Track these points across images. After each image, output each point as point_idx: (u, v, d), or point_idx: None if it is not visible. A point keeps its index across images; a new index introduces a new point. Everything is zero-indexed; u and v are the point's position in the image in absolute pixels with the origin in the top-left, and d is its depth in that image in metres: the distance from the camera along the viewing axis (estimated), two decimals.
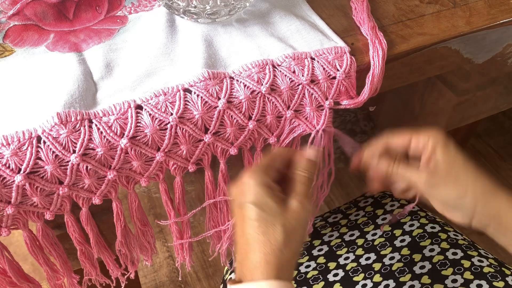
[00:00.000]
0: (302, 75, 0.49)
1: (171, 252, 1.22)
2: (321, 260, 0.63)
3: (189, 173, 0.50)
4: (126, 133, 0.44)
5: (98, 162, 0.44)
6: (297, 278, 0.61)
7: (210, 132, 0.47)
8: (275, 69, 0.49)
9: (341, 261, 0.62)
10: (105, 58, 0.50)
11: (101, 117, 0.44)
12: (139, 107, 0.45)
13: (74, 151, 0.42)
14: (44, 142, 0.42)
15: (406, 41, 0.55)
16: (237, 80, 0.48)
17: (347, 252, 0.63)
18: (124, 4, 0.57)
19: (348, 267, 0.61)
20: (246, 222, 0.41)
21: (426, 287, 0.57)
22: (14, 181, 0.41)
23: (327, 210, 0.72)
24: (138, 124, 0.44)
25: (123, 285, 0.62)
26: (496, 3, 0.61)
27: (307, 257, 0.63)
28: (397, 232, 0.64)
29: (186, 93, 0.46)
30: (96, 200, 0.47)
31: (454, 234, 0.64)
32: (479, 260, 0.59)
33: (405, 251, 0.62)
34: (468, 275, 0.58)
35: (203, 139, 0.47)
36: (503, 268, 0.59)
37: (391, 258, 0.61)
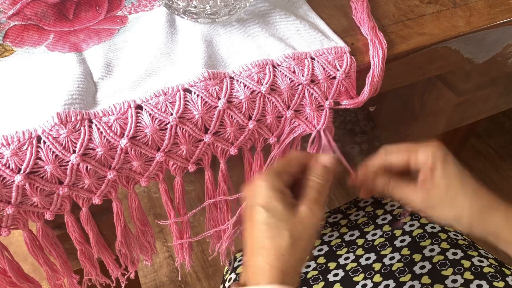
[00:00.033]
0: (302, 75, 0.49)
1: (171, 252, 1.22)
2: (321, 260, 0.63)
3: (189, 173, 0.50)
4: (126, 133, 0.44)
5: (98, 162, 0.44)
6: None
7: (210, 132, 0.47)
8: (275, 69, 0.49)
9: (341, 261, 0.62)
10: (105, 58, 0.50)
11: (101, 117, 0.44)
12: (139, 107, 0.45)
13: (74, 151, 0.42)
14: (44, 142, 0.42)
15: (406, 41, 0.55)
16: (237, 80, 0.48)
17: (347, 252, 0.63)
18: (124, 4, 0.57)
19: (348, 267, 0.61)
20: (254, 225, 0.41)
21: (426, 287, 0.57)
22: (14, 181, 0.41)
23: (327, 210, 0.72)
24: (138, 124, 0.44)
25: (123, 285, 0.62)
26: (496, 3, 0.61)
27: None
28: (397, 232, 0.64)
29: (186, 93, 0.46)
30: (96, 200, 0.47)
31: (454, 234, 0.64)
32: (479, 260, 0.59)
33: (405, 251, 0.62)
34: (468, 275, 0.58)
35: (203, 139, 0.47)
36: (503, 268, 0.59)
37: (391, 258, 0.61)
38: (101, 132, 0.43)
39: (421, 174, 0.45)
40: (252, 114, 0.48)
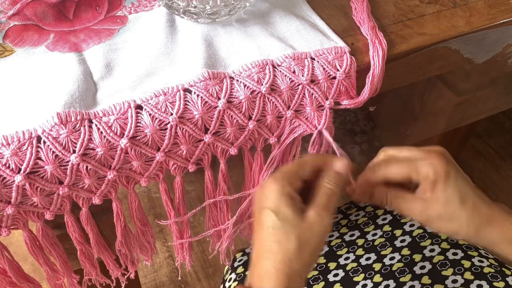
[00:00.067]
0: (302, 75, 0.49)
1: (171, 252, 1.22)
2: (321, 260, 0.63)
3: (189, 173, 0.50)
4: (126, 133, 0.44)
5: (98, 162, 0.44)
6: None
7: (210, 132, 0.47)
8: (275, 69, 0.49)
9: (341, 261, 0.62)
10: (105, 58, 0.50)
11: (101, 117, 0.44)
12: (139, 107, 0.45)
13: (74, 151, 0.42)
14: (44, 142, 0.41)
15: (406, 41, 0.55)
16: (237, 80, 0.48)
17: (347, 252, 0.63)
18: (124, 4, 0.57)
19: (348, 267, 0.61)
20: (263, 228, 0.41)
21: (426, 287, 0.57)
22: (14, 181, 0.41)
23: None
24: (138, 124, 0.44)
25: (123, 285, 0.62)
26: (496, 3, 0.61)
27: None
28: (397, 232, 0.64)
29: (186, 93, 0.46)
30: (96, 200, 0.47)
31: None
32: (479, 261, 0.59)
33: (405, 251, 0.62)
34: (468, 275, 0.58)
35: (203, 139, 0.47)
36: (503, 269, 0.59)
37: (391, 258, 0.61)
38: (101, 132, 0.43)
39: (421, 186, 0.44)
40: (252, 114, 0.48)
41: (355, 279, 0.60)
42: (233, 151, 0.50)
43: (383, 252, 0.62)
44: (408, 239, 0.63)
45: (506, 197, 1.38)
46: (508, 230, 0.43)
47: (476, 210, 0.43)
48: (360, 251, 0.63)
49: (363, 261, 0.62)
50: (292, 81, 0.49)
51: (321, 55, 0.51)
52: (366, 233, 0.65)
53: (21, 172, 0.41)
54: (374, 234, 0.65)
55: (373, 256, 0.62)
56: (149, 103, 0.45)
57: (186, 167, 0.49)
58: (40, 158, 0.41)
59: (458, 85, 0.73)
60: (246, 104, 0.47)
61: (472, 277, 0.57)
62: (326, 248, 0.64)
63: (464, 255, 0.60)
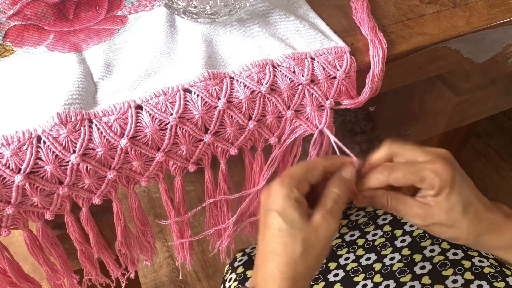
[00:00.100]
0: (302, 75, 0.49)
1: (171, 252, 1.22)
2: None
3: (189, 173, 0.50)
4: (126, 133, 0.44)
5: (98, 162, 0.44)
6: None
7: (210, 132, 0.47)
8: (275, 69, 0.49)
9: (342, 261, 0.62)
10: (105, 58, 0.50)
11: (101, 117, 0.44)
12: (139, 107, 0.45)
13: (74, 151, 0.42)
14: (44, 142, 0.41)
15: (406, 41, 0.55)
16: (237, 80, 0.48)
17: (348, 252, 0.63)
18: (124, 4, 0.57)
19: (348, 267, 0.61)
20: (268, 230, 0.41)
21: (427, 287, 0.57)
22: (14, 181, 0.41)
23: None
24: (138, 124, 0.44)
25: (123, 285, 0.62)
26: (496, 3, 0.60)
27: None
28: (398, 232, 0.64)
29: (186, 93, 0.46)
30: (96, 200, 0.47)
31: None
32: (479, 261, 0.59)
33: (405, 251, 0.62)
34: (468, 275, 0.57)
35: (203, 139, 0.47)
36: (503, 269, 0.59)
37: (392, 259, 0.61)
38: (101, 132, 0.43)
39: (423, 192, 0.43)
40: (252, 114, 0.48)
41: (355, 279, 0.60)
42: (233, 151, 0.50)
43: (383, 252, 0.62)
44: (408, 239, 0.63)
45: (506, 197, 1.38)
46: (507, 237, 0.43)
47: (477, 217, 0.43)
48: (360, 251, 0.63)
49: (363, 261, 0.62)
50: (292, 81, 0.49)
51: (321, 55, 0.51)
52: (366, 233, 0.65)
53: (21, 172, 0.41)
54: (375, 234, 0.65)
55: (373, 256, 0.62)
56: (149, 103, 0.45)
57: (186, 167, 0.49)
58: (40, 158, 0.41)
59: (458, 85, 0.73)
60: (246, 104, 0.47)
61: (472, 277, 0.57)
62: None
63: (464, 255, 0.60)
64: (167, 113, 0.45)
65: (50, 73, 0.48)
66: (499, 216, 0.43)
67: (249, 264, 0.66)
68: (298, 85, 0.49)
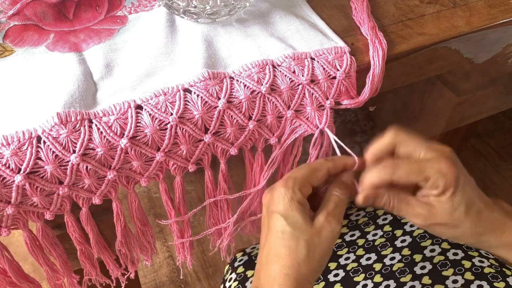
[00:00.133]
0: (302, 75, 0.49)
1: (171, 252, 1.22)
2: None
3: (189, 173, 0.50)
4: (126, 133, 0.44)
5: (98, 162, 0.44)
6: None
7: (210, 132, 0.47)
8: (275, 69, 0.49)
9: (342, 261, 0.62)
10: (105, 58, 0.50)
11: (101, 117, 0.44)
12: (139, 107, 0.45)
13: (74, 151, 0.42)
14: (44, 142, 0.41)
15: (406, 41, 0.55)
16: (237, 80, 0.48)
17: (348, 252, 0.63)
18: (124, 4, 0.57)
19: (348, 267, 0.61)
20: (271, 232, 0.41)
21: (427, 287, 0.57)
22: (14, 181, 0.41)
23: None
24: (138, 124, 0.44)
25: (123, 285, 0.62)
26: (496, 3, 0.60)
27: None
28: (398, 232, 0.64)
29: (186, 93, 0.46)
30: (96, 200, 0.47)
31: None
32: (479, 261, 0.59)
33: (405, 252, 0.62)
34: (468, 275, 0.57)
35: (203, 139, 0.47)
36: (503, 269, 0.59)
37: (392, 259, 0.61)
38: (101, 132, 0.43)
39: (425, 191, 0.43)
40: (252, 114, 0.48)
41: (356, 279, 0.60)
42: (233, 151, 0.50)
43: (383, 252, 0.62)
44: (408, 239, 0.63)
45: (506, 197, 1.38)
46: (507, 236, 0.43)
47: (479, 217, 0.42)
48: (360, 251, 0.63)
49: (363, 261, 0.61)
50: (292, 81, 0.49)
51: (321, 55, 0.51)
52: (367, 233, 0.65)
53: (21, 172, 0.41)
54: (375, 234, 0.65)
55: (373, 256, 0.62)
56: (149, 103, 0.45)
57: (186, 167, 0.49)
58: (40, 158, 0.41)
59: (458, 85, 0.73)
60: (246, 104, 0.47)
61: (472, 277, 0.57)
62: None
63: (464, 255, 0.60)
64: (167, 113, 0.45)
65: (50, 73, 0.48)
66: (500, 214, 0.43)
67: (249, 264, 0.66)
68: (298, 85, 0.49)
